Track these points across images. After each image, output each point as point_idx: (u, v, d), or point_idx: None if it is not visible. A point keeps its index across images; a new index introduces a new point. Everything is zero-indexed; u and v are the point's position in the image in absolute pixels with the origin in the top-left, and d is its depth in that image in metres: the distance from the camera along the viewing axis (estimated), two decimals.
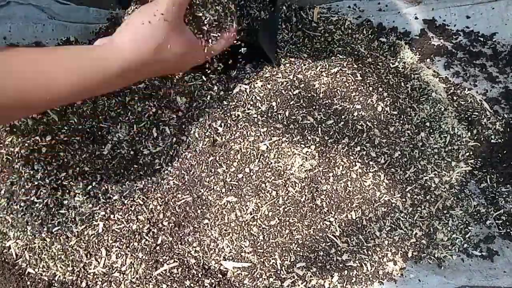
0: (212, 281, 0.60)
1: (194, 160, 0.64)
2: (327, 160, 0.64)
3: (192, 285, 0.60)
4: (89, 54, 0.49)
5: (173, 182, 0.64)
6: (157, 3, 0.51)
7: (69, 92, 0.48)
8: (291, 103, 0.66)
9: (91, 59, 0.49)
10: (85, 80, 0.48)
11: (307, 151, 0.64)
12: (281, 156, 0.64)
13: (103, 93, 0.60)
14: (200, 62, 0.60)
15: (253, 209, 0.62)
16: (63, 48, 0.52)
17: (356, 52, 0.76)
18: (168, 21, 0.51)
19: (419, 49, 0.86)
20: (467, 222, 0.69)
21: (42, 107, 0.53)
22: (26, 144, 0.64)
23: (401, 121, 0.69)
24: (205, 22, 0.56)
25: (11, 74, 0.45)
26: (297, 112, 0.65)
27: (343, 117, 0.66)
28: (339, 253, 0.62)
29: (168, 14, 0.51)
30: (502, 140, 0.77)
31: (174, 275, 0.60)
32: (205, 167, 0.64)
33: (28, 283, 0.61)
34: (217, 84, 0.67)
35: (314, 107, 0.66)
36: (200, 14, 0.56)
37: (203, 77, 0.67)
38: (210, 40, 0.58)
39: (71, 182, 0.63)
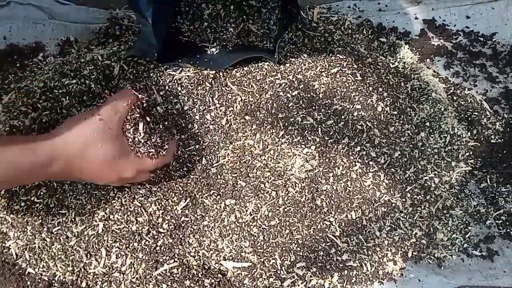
0: (212, 281, 0.60)
1: (193, 161, 0.64)
2: (327, 160, 0.64)
3: (192, 285, 0.60)
4: (19, 144, 0.50)
5: (172, 183, 0.64)
6: (100, 107, 0.56)
7: None
8: (290, 103, 0.66)
9: (20, 148, 0.50)
10: (10, 170, 0.49)
11: (307, 152, 0.64)
12: (281, 156, 0.64)
13: (32, 182, 0.61)
14: (131, 179, 0.60)
15: (253, 209, 0.62)
16: None
17: (356, 52, 0.76)
18: (104, 121, 0.54)
19: (419, 49, 0.86)
20: (467, 222, 0.69)
21: None
22: None
23: (401, 121, 0.69)
24: (140, 138, 0.58)
25: None
26: (297, 112, 0.65)
27: (343, 117, 0.66)
28: (339, 253, 0.62)
29: (106, 118, 0.55)
30: (502, 140, 0.77)
31: (174, 275, 0.60)
32: (204, 169, 0.64)
33: (28, 283, 0.61)
34: (216, 83, 0.67)
35: (314, 107, 0.66)
36: (136, 129, 0.58)
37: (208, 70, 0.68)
38: (143, 155, 0.58)
39: (72, 182, 0.63)
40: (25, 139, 0.52)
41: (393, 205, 0.64)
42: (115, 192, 0.63)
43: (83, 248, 0.61)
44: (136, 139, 0.57)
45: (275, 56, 0.67)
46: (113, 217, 0.62)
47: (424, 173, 0.68)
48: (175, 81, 0.66)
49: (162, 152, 0.60)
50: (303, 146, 0.64)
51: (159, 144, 0.59)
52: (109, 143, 0.55)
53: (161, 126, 0.60)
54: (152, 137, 0.59)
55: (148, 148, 0.58)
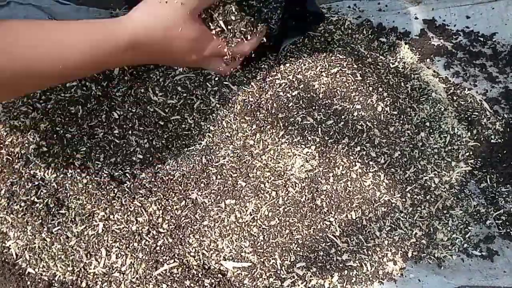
0: (212, 281, 0.60)
1: (193, 161, 0.64)
2: (327, 160, 0.64)
3: (192, 285, 0.60)
4: (102, 26, 0.50)
5: (172, 184, 0.64)
6: None
7: (80, 63, 0.48)
8: (290, 103, 0.66)
9: (104, 30, 0.49)
10: (97, 50, 0.49)
11: (308, 152, 0.64)
12: (281, 156, 0.64)
13: (112, 67, 0.61)
14: (211, 64, 0.59)
15: (253, 209, 0.62)
16: (76, 22, 0.51)
17: (356, 52, 0.76)
18: (185, 5, 0.52)
19: (419, 49, 0.86)
20: (467, 222, 0.69)
21: (51, 78, 0.51)
22: (26, 144, 0.64)
23: (401, 121, 0.69)
24: (227, 22, 0.56)
25: (17, 42, 0.44)
26: (297, 112, 0.65)
27: (343, 117, 0.66)
28: (339, 253, 0.62)
29: (188, 3, 0.52)
30: (502, 140, 0.77)
31: (174, 275, 0.60)
32: (204, 169, 0.64)
33: (28, 283, 0.61)
34: (216, 84, 0.67)
35: (314, 107, 0.66)
36: (222, 14, 0.56)
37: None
38: (228, 42, 0.57)
39: (72, 182, 0.63)
40: (106, 24, 0.50)
41: (393, 205, 0.64)
42: (115, 192, 0.63)
43: (83, 248, 0.61)
44: (221, 23, 0.56)
45: (278, 53, 0.66)
46: (113, 217, 0.62)
47: (424, 173, 0.68)
48: (176, 82, 0.66)
49: (248, 37, 0.58)
50: (303, 146, 0.64)
51: (243, 30, 0.58)
52: (191, 28, 0.54)
53: (248, 12, 0.58)
54: (237, 23, 0.57)
55: (234, 32, 0.57)
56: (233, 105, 0.67)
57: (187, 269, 0.60)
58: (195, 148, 0.65)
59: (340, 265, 0.62)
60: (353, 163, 0.64)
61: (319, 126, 0.65)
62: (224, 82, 0.68)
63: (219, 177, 0.64)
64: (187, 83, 0.66)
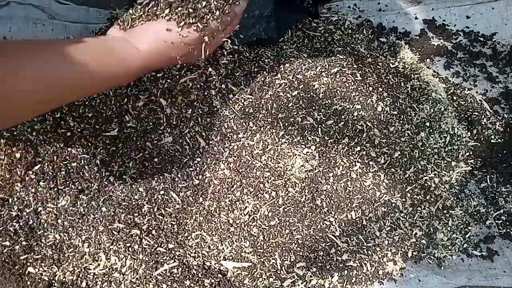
0: (212, 281, 0.60)
1: (193, 161, 0.64)
2: (327, 160, 0.64)
3: (192, 285, 0.60)
4: (115, 53, 0.52)
5: (172, 183, 0.64)
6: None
7: (95, 85, 0.52)
8: (290, 103, 0.66)
9: (117, 58, 0.52)
10: (110, 73, 0.52)
11: (307, 152, 0.64)
12: (281, 156, 0.64)
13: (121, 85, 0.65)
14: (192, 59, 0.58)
15: (252, 209, 0.62)
16: (92, 40, 0.53)
17: (356, 52, 0.76)
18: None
19: (419, 49, 0.86)
20: (467, 222, 0.69)
21: (68, 99, 0.55)
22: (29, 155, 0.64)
23: (401, 121, 0.69)
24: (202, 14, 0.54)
25: (43, 68, 0.46)
26: (297, 112, 0.65)
27: (343, 117, 0.66)
28: (339, 253, 0.62)
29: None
30: (502, 140, 0.77)
31: (174, 275, 0.60)
32: (204, 169, 0.64)
33: (28, 283, 0.61)
34: (216, 84, 0.68)
35: (314, 107, 0.66)
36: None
37: (209, 68, 0.67)
38: (205, 36, 0.55)
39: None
40: (114, 51, 0.53)
41: (393, 205, 0.64)
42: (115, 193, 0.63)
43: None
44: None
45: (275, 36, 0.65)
46: (114, 217, 0.62)
47: (424, 173, 0.68)
48: (176, 83, 0.66)
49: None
50: (303, 146, 0.64)
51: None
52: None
53: None
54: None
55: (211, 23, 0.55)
56: (233, 105, 0.67)
57: (187, 269, 0.60)
58: (195, 148, 0.65)
59: (340, 265, 0.62)
60: (353, 163, 0.64)
61: (319, 126, 0.65)
62: (224, 82, 0.68)
63: (219, 177, 0.64)
64: (189, 84, 0.66)
